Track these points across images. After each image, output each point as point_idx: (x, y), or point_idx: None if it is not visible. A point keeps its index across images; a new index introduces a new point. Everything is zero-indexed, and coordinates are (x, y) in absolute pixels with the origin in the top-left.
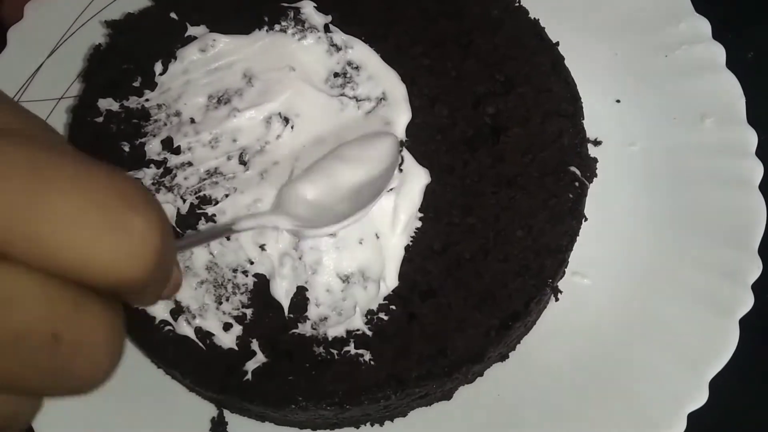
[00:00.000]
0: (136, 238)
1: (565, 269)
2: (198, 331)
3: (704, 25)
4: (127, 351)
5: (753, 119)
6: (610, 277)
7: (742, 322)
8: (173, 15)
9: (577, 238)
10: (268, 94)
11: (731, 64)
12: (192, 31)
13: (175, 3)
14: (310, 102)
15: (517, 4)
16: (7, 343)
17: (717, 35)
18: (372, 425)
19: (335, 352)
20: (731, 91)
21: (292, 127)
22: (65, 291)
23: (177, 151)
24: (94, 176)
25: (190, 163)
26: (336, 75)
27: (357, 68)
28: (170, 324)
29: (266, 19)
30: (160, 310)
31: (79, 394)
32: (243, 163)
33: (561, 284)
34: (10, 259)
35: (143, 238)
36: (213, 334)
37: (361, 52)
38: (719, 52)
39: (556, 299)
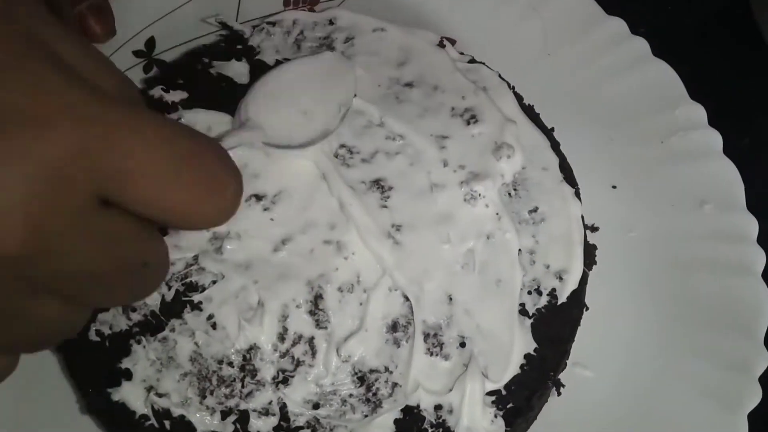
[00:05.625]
0: (229, 199)
1: (567, 360)
2: (179, 425)
3: (700, 112)
4: None
5: (752, 206)
6: (613, 368)
7: (750, 415)
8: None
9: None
10: (258, 175)
11: (728, 151)
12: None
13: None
14: (300, 185)
15: (512, 90)
16: (110, 270)
17: (713, 122)
18: None
19: None
20: (729, 178)
21: (281, 211)
22: (152, 228)
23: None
24: (203, 148)
25: (176, 247)
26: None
27: (351, 151)
28: (150, 419)
29: None
30: (139, 405)
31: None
32: (229, 248)
33: (562, 376)
34: (113, 205)
35: (235, 197)
36: (195, 429)
37: None
38: (716, 138)
39: (558, 393)
